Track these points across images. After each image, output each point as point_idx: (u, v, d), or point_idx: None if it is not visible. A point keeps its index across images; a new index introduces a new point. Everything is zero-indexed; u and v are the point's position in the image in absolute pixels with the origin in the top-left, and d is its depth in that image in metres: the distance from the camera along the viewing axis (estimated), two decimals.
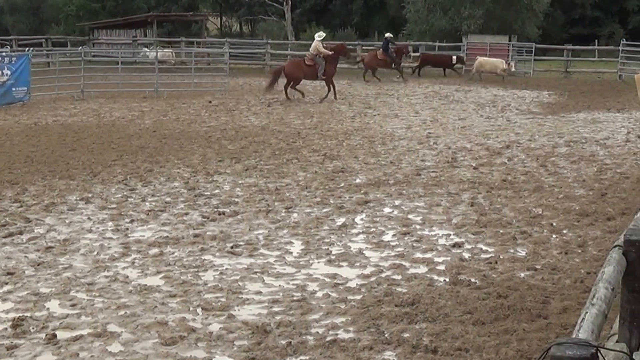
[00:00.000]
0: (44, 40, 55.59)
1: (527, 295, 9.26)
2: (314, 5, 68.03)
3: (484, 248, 11.48)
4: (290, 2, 60.75)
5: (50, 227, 12.54)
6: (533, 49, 47.16)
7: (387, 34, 43.32)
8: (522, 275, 10.21)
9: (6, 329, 8.45)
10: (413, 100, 32.12)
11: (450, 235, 12.17)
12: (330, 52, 32.20)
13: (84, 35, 60.21)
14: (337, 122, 25.39)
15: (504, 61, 40.40)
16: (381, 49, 42.09)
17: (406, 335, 8.14)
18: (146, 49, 39.08)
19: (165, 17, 66.33)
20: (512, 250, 11.35)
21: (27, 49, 37.09)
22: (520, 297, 9.19)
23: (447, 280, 9.96)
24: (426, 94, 34.74)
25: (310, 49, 32.74)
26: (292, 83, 31.70)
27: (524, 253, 11.23)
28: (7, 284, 9.93)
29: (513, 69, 36.23)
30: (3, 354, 7.87)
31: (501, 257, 11.00)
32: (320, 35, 33.28)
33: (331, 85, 31.94)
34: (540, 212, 13.48)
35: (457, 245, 11.60)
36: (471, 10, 52.46)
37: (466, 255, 11.12)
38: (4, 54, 33.42)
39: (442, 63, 45.75)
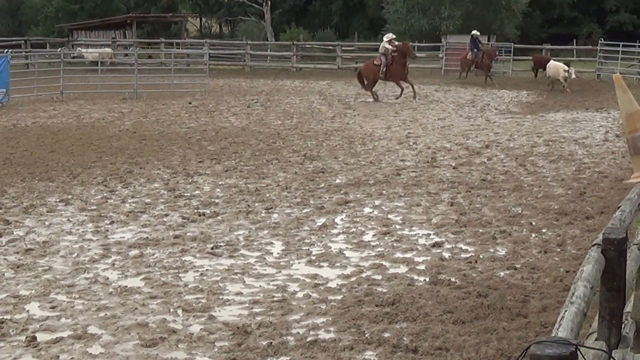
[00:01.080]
0: (22, 41, 55.27)
1: (507, 294, 9.30)
2: (293, 5, 67.98)
3: (464, 247, 11.52)
4: (269, 3, 60.71)
5: (30, 229, 12.49)
6: (512, 49, 47.29)
7: (474, 32, 42.04)
8: (502, 274, 10.25)
9: None
10: (392, 100, 32.16)
11: (430, 235, 12.20)
12: (391, 51, 32.10)
13: (63, 37, 59.93)
14: (317, 122, 25.40)
15: (567, 67, 38.72)
16: (470, 48, 41.15)
17: (387, 335, 8.16)
18: (81, 49, 38.68)
19: (144, 18, 66.09)
20: (491, 250, 11.39)
21: (5, 50, 36.87)
22: (500, 296, 9.23)
23: (427, 279, 9.99)
24: (405, 94, 34.77)
25: (379, 49, 32.74)
26: (367, 84, 31.85)
27: (503, 252, 11.27)
28: None
29: (573, 76, 35.10)
30: None
31: (481, 256, 11.04)
32: (388, 36, 33.14)
33: (405, 84, 31.82)
34: (520, 212, 13.54)
35: (437, 245, 11.64)
36: (451, 10, 52.56)
37: (446, 254, 11.16)
38: None
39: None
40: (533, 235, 12.18)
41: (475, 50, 40.75)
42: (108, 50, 39.48)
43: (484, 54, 40.68)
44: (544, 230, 12.41)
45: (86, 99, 32.45)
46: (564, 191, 15.21)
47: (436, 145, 20.70)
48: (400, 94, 31.70)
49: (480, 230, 12.36)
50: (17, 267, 10.61)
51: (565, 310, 3.98)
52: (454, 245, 11.62)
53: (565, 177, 16.58)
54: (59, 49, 39.62)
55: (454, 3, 52.89)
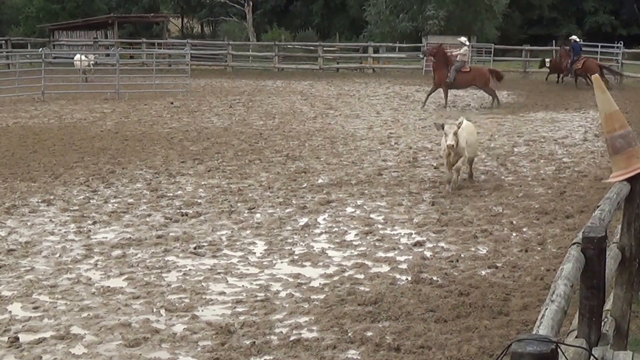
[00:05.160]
0: (3, 41, 55.03)
1: (488, 293, 9.36)
2: (274, 6, 68.03)
3: (445, 246, 11.57)
4: (251, 3, 60.72)
5: (12, 230, 12.47)
6: (492, 50, 47.45)
7: (574, 36, 40.24)
8: (483, 273, 10.31)
9: None
10: (374, 101, 32.22)
11: (412, 234, 12.25)
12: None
13: (44, 37, 59.71)
14: (299, 122, 25.42)
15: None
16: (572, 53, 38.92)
17: (369, 333, 8.20)
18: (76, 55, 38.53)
19: (126, 19, 65.99)
20: (473, 249, 11.45)
21: None
22: (481, 294, 9.29)
23: (409, 278, 10.03)
24: (387, 95, 34.88)
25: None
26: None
27: (484, 251, 11.33)
28: None
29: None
30: None
31: (462, 255, 11.10)
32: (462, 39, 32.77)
33: (441, 91, 30.85)
34: (501, 211, 13.61)
35: (418, 244, 11.68)
36: (434, 11, 52.66)
37: (428, 253, 11.21)
38: None
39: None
40: (514, 234, 12.25)
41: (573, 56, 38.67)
42: (91, 59, 39.21)
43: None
44: (524, 229, 12.48)
45: (68, 99, 32.38)
46: (544, 190, 15.29)
47: (417, 145, 20.77)
48: (425, 100, 30.92)
49: (462, 230, 12.42)
50: None
51: (546, 309, 4.03)
52: (435, 244, 11.68)
53: (545, 176, 16.67)
54: (40, 49, 39.45)
55: (436, 3, 52.99)
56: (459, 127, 14.56)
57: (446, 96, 30.69)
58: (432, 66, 32.78)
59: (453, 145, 14.29)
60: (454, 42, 48.51)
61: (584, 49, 42.90)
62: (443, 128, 14.71)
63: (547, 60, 42.70)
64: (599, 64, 38.37)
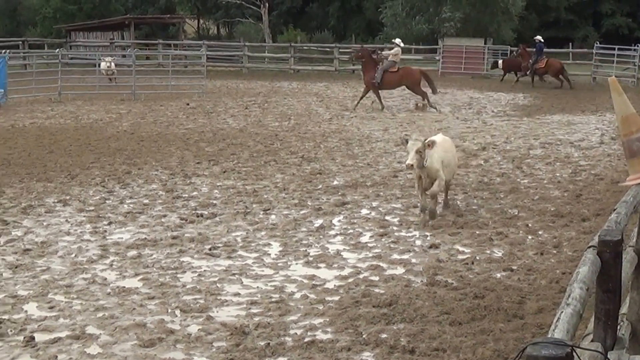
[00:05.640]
0: (20, 42, 55.25)
1: (503, 296, 9.34)
2: (290, 7, 68.00)
3: (461, 249, 11.56)
4: (267, 5, 60.71)
5: (28, 230, 12.52)
6: (508, 52, 47.32)
7: (538, 37, 41.66)
8: (499, 275, 10.29)
9: None
10: (390, 103, 32.17)
11: (427, 236, 12.24)
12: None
13: (60, 38, 59.92)
14: (315, 124, 25.43)
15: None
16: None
17: (384, 336, 8.19)
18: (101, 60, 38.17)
19: (142, 20, 66.13)
20: (488, 251, 11.43)
21: (3, 51, 36.87)
22: (496, 297, 9.27)
23: (424, 281, 10.02)
24: (403, 96, 34.79)
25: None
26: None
27: (500, 254, 11.31)
28: None
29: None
30: None
31: (477, 258, 11.08)
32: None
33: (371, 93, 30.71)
34: (516, 213, 13.58)
35: (434, 246, 11.68)
36: (450, 12, 52.58)
37: (443, 256, 11.19)
38: None
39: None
40: (529, 237, 12.22)
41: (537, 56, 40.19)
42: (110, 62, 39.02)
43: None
44: (540, 232, 12.45)
45: (84, 99, 32.49)
46: (560, 193, 15.26)
47: None
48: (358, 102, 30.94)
49: (477, 232, 12.40)
50: (16, 268, 10.64)
51: (561, 312, 4.01)
52: (450, 247, 11.66)
53: (561, 179, 16.63)
54: (57, 49, 39.60)
55: (452, 6, 52.91)
56: (426, 145, 12.57)
57: (378, 97, 30.38)
58: (362, 69, 32.37)
59: (412, 165, 12.45)
60: (470, 43, 48.68)
61: (602, 51, 43.22)
62: (407, 143, 12.78)
63: (500, 61, 43.43)
64: (562, 64, 40.22)
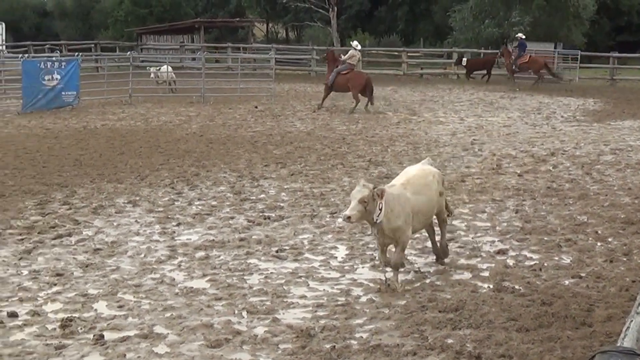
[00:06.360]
0: (93, 45, 56.15)
1: (571, 303, 9.23)
2: (359, 11, 67.98)
3: (529, 255, 11.46)
4: (336, 9, 60.83)
5: (99, 230, 12.71)
6: (578, 56, 46.84)
7: (520, 34, 43.63)
8: (567, 282, 10.18)
9: (55, 329, 8.61)
10: (458, 107, 32.04)
11: (494, 241, 12.16)
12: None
13: (131, 41, 60.73)
14: (382, 128, 25.41)
15: None
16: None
17: (450, 341, 8.16)
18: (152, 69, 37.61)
19: (212, 23, 66.73)
20: (556, 258, 11.32)
21: (76, 53, 37.44)
22: (564, 304, 9.17)
23: (491, 286, 9.95)
24: (471, 101, 34.64)
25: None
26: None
27: (568, 261, 11.19)
28: (56, 285, 10.10)
29: None
30: (52, 353, 8.02)
31: (545, 264, 10.97)
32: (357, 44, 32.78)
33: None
34: (585, 220, 13.42)
35: (501, 252, 11.59)
36: (520, 17, 52.16)
37: (510, 262, 11.11)
38: (54, 58, 33.82)
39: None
40: (598, 244, 12.07)
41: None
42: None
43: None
44: (609, 239, 12.29)
45: (154, 102, 32.86)
46: (630, 200, 15.03)
47: (501, 152, 20.59)
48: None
49: (545, 238, 12.28)
50: (86, 267, 10.81)
51: (631, 320, 3.98)
52: (518, 253, 11.57)
53: (632, 185, 16.39)
54: (128, 52, 40.06)
55: (522, 9, 52.48)
56: (375, 194, 9.56)
57: (324, 98, 31.05)
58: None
59: (349, 218, 9.49)
60: (539, 47, 48.25)
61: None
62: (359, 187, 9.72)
63: (465, 59, 43.79)
64: (545, 60, 42.07)
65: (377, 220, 9.62)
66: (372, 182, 16.00)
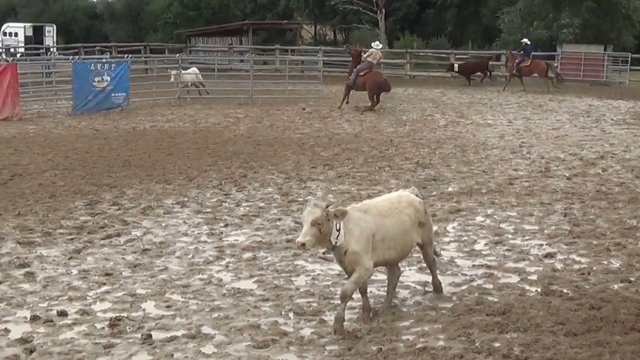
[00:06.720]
0: (142, 47, 56.62)
1: (620, 308, 9.13)
2: (407, 13, 67.77)
3: (577, 259, 11.37)
4: (384, 11, 60.76)
5: (147, 230, 12.83)
6: (629, 59, 46.35)
7: (525, 39, 43.31)
8: (616, 287, 10.08)
9: (104, 328, 8.71)
10: (506, 110, 31.88)
11: (542, 245, 12.08)
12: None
13: (180, 43, 61.14)
14: (430, 130, 25.35)
15: None
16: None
17: (497, 344, 8.12)
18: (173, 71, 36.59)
19: (260, 25, 66.98)
20: (605, 262, 11.21)
21: (126, 55, 37.78)
22: (613, 309, 9.07)
23: (539, 290, 9.89)
24: (519, 103, 34.44)
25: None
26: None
27: (617, 265, 11.08)
28: (104, 284, 10.22)
29: None
30: (100, 352, 8.11)
31: (594, 268, 10.88)
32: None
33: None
34: (635, 224, 13.28)
35: (549, 255, 11.51)
36: (569, 19, 51.72)
37: (558, 265, 11.03)
38: (104, 60, 34.16)
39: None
40: None
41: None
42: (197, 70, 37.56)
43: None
44: None
45: (202, 103, 33.07)
46: None
47: (550, 155, 20.44)
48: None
49: (594, 242, 12.17)
50: (135, 267, 10.92)
51: None
52: (566, 256, 11.48)
53: None
54: (177, 54, 40.33)
55: (571, 12, 52.03)
56: (330, 215, 8.42)
57: (344, 97, 31.67)
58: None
59: (303, 245, 8.32)
60: (588, 50, 47.82)
61: None
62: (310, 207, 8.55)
63: (456, 65, 43.54)
64: (547, 63, 41.86)
65: (336, 243, 8.47)
66: (421, 183, 16.02)
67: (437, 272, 10.04)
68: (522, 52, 42.01)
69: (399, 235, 8.98)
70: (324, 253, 11.42)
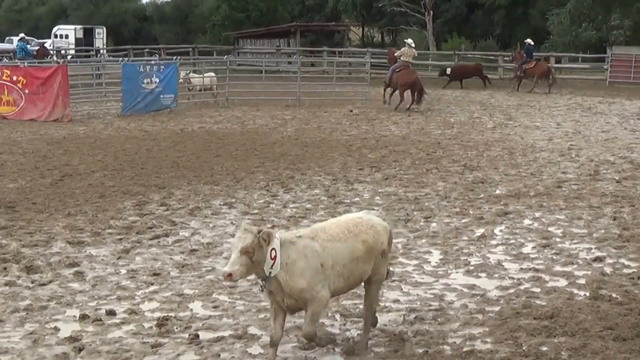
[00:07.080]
0: (190, 49, 57.01)
1: None
2: (455, 15, 67.54)
3: (627, 263, 11.25)
4: (431, 13, 60.60)
5: (195, 231, 12.90)
6: None
7: (528, 40, 43.63)
8: None
9: (151, 327, 8.78)
10: (555, 112, 31.64)
11: (591, 249, 11.97)
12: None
13: (228, 45, 61.45)
14: (478, 133, 25.23)
15: None
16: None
17: (544, 348, 8.07)
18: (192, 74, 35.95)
19: (307, 27, 67.15)
20: None
21: (174, 57, 38.03)
22: None
23: (588, 294, 9.81)
24: (568, 106, 34.17)
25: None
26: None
27: None
28: (152, 284, 10.29)
29: None
30: (148, 351, 8.17)
31: None
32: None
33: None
34: None
35: (598, 259, 11.40)
36: (619, 20, 51.19)
37: (608, 269, 10.92)
38: (153, 62, 34.43)
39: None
40: None
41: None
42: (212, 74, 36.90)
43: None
44: None
45: (250, 105, 33.20)
46: None
47: (599, 158, 20.26)
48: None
49: None
50: (182, 267, 10.99)
51: None
52: (616, 261, 11.37)
53: None
54: (225, 56, 40.53)
55: (623, 12, 51.50)
56: (261, 240, 7.40)
57: (384, 95, 32.81)
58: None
59: (230, 276, 7.21)
60: (639, 53, 47.27)
61: None
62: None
63: (449, 69, 43.38)
64: (549, 66, 42.18)
65: (270, 273, 7.39)
66: (468, 186, 15.95)
67: (484, 274, 9.98)
68: (524, 52, 42.38)
69: (348, 262, 7.76)
70: None
